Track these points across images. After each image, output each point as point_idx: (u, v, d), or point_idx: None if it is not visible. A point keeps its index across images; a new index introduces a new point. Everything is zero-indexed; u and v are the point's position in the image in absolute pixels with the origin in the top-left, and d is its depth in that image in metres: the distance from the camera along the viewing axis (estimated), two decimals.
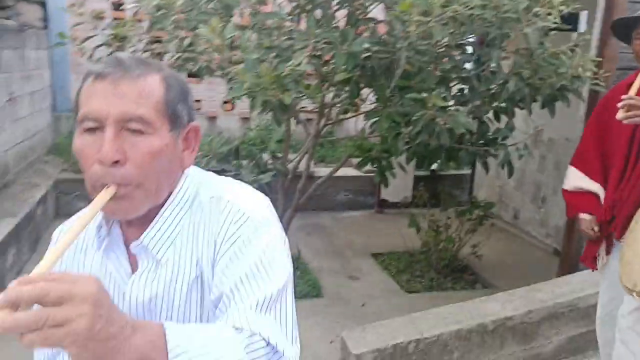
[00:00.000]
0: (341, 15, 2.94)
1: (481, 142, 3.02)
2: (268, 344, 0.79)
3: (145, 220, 0.90)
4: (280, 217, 3.69)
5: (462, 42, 2.73)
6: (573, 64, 2.63)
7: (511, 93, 2.55)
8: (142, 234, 0.90)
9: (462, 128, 2.41)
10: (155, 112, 0.87)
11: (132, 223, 0.92)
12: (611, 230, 2.20)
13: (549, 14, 2.16)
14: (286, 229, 3.79)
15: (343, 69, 2.56)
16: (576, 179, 2.35)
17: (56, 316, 0.60)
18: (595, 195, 2.28)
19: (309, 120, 4.20)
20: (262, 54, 2.26)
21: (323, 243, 4.68)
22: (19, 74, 5.01)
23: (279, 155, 3.50)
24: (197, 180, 0.97)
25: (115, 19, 5.45)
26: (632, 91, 1.98)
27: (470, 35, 2.64)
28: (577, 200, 2.33)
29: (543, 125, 3.46)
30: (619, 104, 1.93)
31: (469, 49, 2.94)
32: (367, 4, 2.81)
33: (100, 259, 0.95)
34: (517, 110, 2.98)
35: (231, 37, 2.13)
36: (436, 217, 4.07)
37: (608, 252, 2.26)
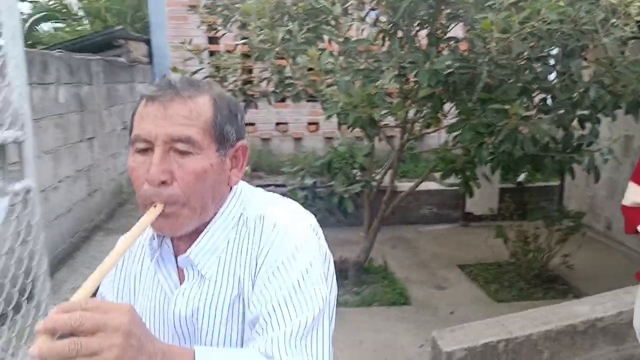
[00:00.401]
0: (422, 35, 3.14)
1: (567, 150, 3.07)
2: None
3: (195, 234, 0.93)
4: (366, 229, 3.92)
5: (542, 54, 2.83)
6: None
7: (592, 100, 2.62)
8: (185, 253, 0.93)
9: (545, 136, 2.51)
10: (203, 132, 0.88)
11: (182, 237, 0.94)
12: None
13: (626, 24, 2.23)
14: (372, 240, 4.00)
15: (426, 85, 2.75)
16: (635, 194, 2.30)
17: (89, 346, 0.63)
18: None
19: (390, 137, 4.40)
20: (352, 76, 2.51)
21: (409, 255, 4.81)
22: (130, 105, 5.65)
23: (365, 168, 3.73)
24: (244, 198, 0.98)
25: (211, 52, 6.00)
26: None
27: (551, 48, 2.74)
28: (636, 215, 2.28)
29: (633, 133, 3.44)
30: None
31: (551, 61, 3.03)
32: (447, 24, 2.99)
33: (153, 270, 0.98)
34: (602, 117, 3.02)
35: (327, 63, 2.40)
36: (524, 227, 4.10)
37: None
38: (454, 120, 3.15)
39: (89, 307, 0.65)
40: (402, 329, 3.41)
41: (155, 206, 0.87)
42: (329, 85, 2.55)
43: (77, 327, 0.63)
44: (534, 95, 2.86)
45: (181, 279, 0.95)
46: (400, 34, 3.00)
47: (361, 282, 3.95)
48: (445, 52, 3.02)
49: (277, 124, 6.92)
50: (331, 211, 3.36)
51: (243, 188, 1.00)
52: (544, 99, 2.99)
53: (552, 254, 4.00)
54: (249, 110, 3.82)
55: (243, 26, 3.06)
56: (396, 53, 2.69)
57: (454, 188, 3.99)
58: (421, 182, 3.96)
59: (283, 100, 3.71)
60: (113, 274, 1.05)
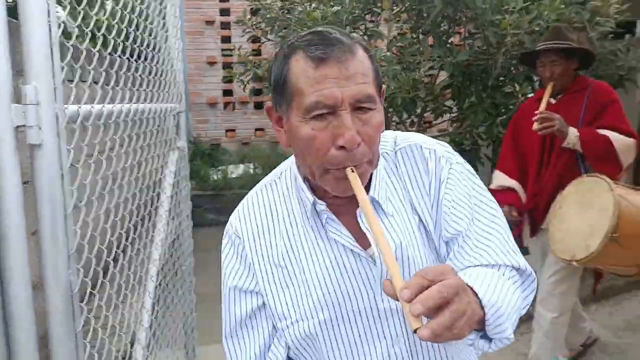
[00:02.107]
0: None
1: None
2: (523, 273, 0.94)
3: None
4: None
5: None
6: (628, 59, 3.43)
7: None
8: (349, 201, 0.91)
9: None
10: (374, 86, 0.87)
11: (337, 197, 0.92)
12: (535, 216, 2.63)
13: (607, 21, 2.99)
14: None
15: (448, 75, 3.47)
16: (499, 179, 2.73)
17: (460, 309, 0.67)
18: (513, 190, 2.67)
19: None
20: (400, 67, 3.22)
21: None
22: None
23: None
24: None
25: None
26: (542, 107, 2.42)
27: None
28: (500, 196, 2.60)
29: None
30: (534, 118, 2.37)
31: None
32: (465, 25, 3.73)
33: (312, 232, 0.97)
34: None
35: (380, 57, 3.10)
36: None
37: (532, 235, 2.69)
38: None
39: (432, 277, 0.69)
40: None
41: (352, 170, 0.85)
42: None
43: (444, 297, 0.67)
44: (535, 80, 3.60)
45: (352, 233, 0.95)
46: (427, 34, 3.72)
47: None
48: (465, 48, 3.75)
49: None
50: None
51: None
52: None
53: None
54: None
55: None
56: (426, 49, 3.41)
57: None
58: None
59: None
60: (236, 266, 1.02)
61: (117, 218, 1.62)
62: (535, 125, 2.37)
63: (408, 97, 3.17)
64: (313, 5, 3.66)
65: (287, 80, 0.87)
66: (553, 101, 2.54)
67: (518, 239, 2.64)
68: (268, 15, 4.04)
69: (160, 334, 1.94)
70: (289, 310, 0.98)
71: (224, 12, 7.38)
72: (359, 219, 0.94)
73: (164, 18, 2.16)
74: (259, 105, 7.45)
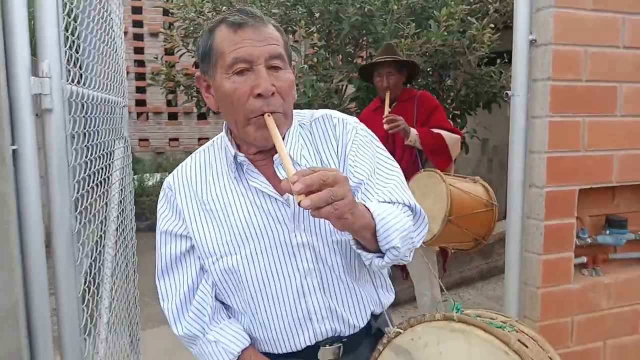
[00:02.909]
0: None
1: None
2: (414, 208, 1.09)
3: (272, 149, 1.09)
4: None
5: (430, 67, 4.23)
6: (500, 79, 4.16)
7: (462, 98, 4.06)
8: (268, 157, 1.12)
9: None
10: (284, 51, 1.06)
11: (262, 151, 1.11)
12: None
13: (482, 47, 3.65)
14: None
15: (356, 89, 4.00)
16: None
17: (338, 192, 0.84)
18: None
19: None
20: (315, 78, 3.68)
21: None
22: None
23: None
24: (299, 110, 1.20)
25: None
26: (387, 111, 2.79)
27: (436, 64, 4.14)
28: None
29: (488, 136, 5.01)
30: (384, 120, 2.69)
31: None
32: (369, 45, 4.29)
33: (236, 182, 1.13)
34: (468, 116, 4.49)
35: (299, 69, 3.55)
36: None
37: None
38: None
39: (318, 169, 0.84)
40: None
41: (269, 115, 1.02)
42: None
43: (325, 181, 0.82)
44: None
45: (271, 182, 1.11)
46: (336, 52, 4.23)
47: None
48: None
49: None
50: None
51: None
52: None
53: None
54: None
55: None
56: (336, 64, 3.91)
57: None
58: None
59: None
60: (167, 212, 1.19)
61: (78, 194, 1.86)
62: (386, 126, 2.70)
63: (323, 104, 3.63)
64: None
65: (212, 47, 1.05)
66: (389, 109, 2.90)
67: None
68: (191, 29, 4.36)
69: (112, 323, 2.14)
70: (214, 247, 1.12)
71: (137, 23, 7.51)
72: (275, 167, 1.11)
73: (110, 21, 2.43)
74: (173, 116, 7.61)
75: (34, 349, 1.30)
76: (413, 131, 2.77)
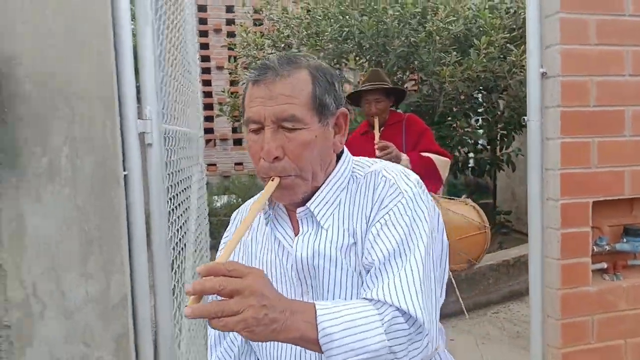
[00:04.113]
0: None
1: (494, 151, 4.72)
2: (407, 320, 0.86)
3: (308, 200, 1.02)
4: None
5: (475, 92, 4.50)
6: None
7: (506, 119, 4.29)
8: (303, 207, 1.02)
9: (480, 138, 4.12)
10: (305, 108, 0.97)
11: (296, 204, 1.04)
12: None
13: (521, 71, 3.89)
14: None
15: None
16: None
17: (230, 307, 0.74)
18: None
19: None
20: None
21: None
22: None
23: None
24: (352, 160, 1.08)
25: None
26: (377, 138, 2.78)
27: (480, 88, 4.40)
28: None
29: None
30: (376, 147, 2.68)
31: (479, 96, 4.72)
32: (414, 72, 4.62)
33: (270, 231, 1.08)
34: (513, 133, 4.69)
35: None
36: None
37: None
38: None
39: (230, 271, 0.76)
40: None
41: (272, 179, 0.97)
42: None
43: (221, 290, 0.74)
44: (471, 117, 4.50)
45: (296, 232, 1.05)
46: None
47: None
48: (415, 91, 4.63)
49: None
50: None
51: (350, 155, 1.09)
52: (477, 119, 4.65)
53: None
54: None
55: None
56: None
57: None
58: None
59: None
60: (227, 238, 1.17)
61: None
62: (378, 153, 2.70)
63: None
64: None
65: (242, 103, 1.04)
66: (379, 134, 2.91)
67: None
68: (253, 64, 4.85)
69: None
70: None
71: (205, 58, 8.19)
72: (299, 219, 1.04)
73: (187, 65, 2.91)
74: (237, 142, 8.19)
75: (137, 330, 1.70)
76: (404, 156, 2.79)
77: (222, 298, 0.75)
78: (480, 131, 4.46)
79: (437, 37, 3.99)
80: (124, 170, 1.67)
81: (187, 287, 0.74)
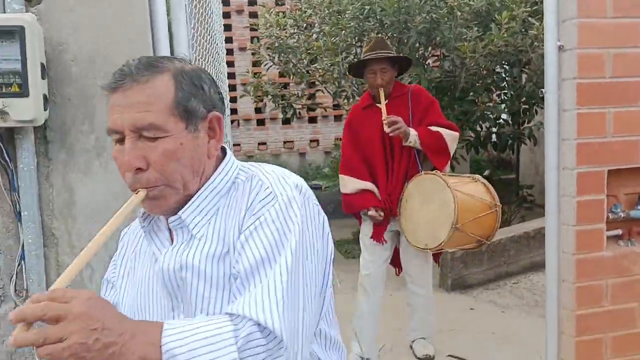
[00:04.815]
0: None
1: (515, 125, 4.76)
2: (267, 335, 0.80)
3: (180, 207, 0.95)
4: None
5: (497, 66, 4.53)
6: None
7: (527, 93, 4.32)
8: (175, 216, 0.95)
9: (501, 113, 4.16)
10: (166, 114, 0.89)
11: (174, 211, 0.95)
12: (394, 214, 2.80)
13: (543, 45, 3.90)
14: None
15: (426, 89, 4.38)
16: (352, 183, 2.81)
17: (53, 334, 0.69)
18: (371, 192, 2.80)
19: None
20: None
21: None
22: None
23: None
24: (236, 166, 1.01)
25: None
26: (384, 113, 2.63)
27: (502, 62, 4.42)
28: (361, 199, 2.79)
29: None
30: (385, 122, 2.57)
31: (501, 71, 4.74)
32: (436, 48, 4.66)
33: (147, 244, 1.03)
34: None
35: None
36: None
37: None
38: None
39: (54, 296, 0.72)
40: None
41: (137, 192, 0.91)
42: None
43: (42, 316, 0.70)
44: (493, 92, 4.53)
45: (173, 242, 0.99)
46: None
47: None
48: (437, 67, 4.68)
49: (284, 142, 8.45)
50: None
51: (234, 160, 1.02)
52: (499, 94, 4.68)
53: None
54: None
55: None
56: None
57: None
58: None
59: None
60: (115, 260, 1.12)
61: None
62: (387, 129, 2.60)
63: None
64: (314, 36, 4.58)
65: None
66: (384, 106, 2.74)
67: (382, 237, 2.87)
68: (276, 44, 4.95)
69: None
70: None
71: (227, 39, 8.31)
72: (173, 229, 0.98)
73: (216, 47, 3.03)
74: (260, 122, 8.33)
75: None
76: (412, 132, 2.68)
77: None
78: (502, 106, 4.49)
79: (459, 13, 4.02)
80: None
81: (11, 314, 0.71)
